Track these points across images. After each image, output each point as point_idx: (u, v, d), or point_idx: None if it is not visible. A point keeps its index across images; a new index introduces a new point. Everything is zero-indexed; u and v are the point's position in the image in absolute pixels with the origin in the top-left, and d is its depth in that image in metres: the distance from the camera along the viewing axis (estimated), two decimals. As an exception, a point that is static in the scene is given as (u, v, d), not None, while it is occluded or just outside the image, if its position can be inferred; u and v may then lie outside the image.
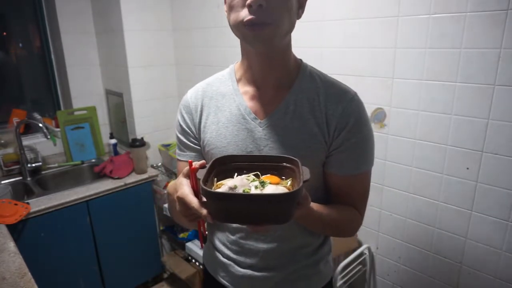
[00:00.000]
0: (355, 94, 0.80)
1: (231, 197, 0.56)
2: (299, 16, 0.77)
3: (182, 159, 0.89)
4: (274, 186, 0.60)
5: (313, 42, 1.56)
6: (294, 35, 1.74)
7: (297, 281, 0.87)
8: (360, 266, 1.57)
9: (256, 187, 0.59)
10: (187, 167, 0.66)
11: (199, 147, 0.86)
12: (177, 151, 0.91)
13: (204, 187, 0.56)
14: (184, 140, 0.87)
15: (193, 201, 0.61)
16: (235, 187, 0.58)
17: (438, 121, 1.26)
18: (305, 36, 1.58)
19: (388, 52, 1.33)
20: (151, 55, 2.27)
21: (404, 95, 1.33)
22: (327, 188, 0.84)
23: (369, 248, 1.56)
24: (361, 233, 1.60)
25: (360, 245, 1.58)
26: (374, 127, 1.44)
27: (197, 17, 2.12)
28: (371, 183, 1.51)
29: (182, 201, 0.62)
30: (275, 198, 0.55)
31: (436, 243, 1.36)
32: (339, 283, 1.47)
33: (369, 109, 1.43)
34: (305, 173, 0.60)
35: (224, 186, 0.60)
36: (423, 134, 1.31)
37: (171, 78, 2.42)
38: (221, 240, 0.90)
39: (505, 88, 1.09)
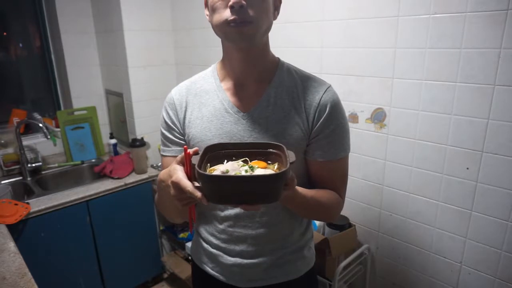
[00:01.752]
0: (330, 85, 0.87)
1: (226, 179, 0.59)
2: (275, 17, 0.82)
3: (167, 155, 0.92)
4: (262, 170, 0.64)
5: (313, 42, 1.56)
6: (295, 35, 1.75)
7: (284, 266, 0.91)
8: (360, 266, 1.57)
9: (246, 171, 0.63)
10: (181, 155, 0.70)
11: (183, 142, 0.90)
12: (162, 147, 0.95)
13: (200, 171, 0.59)
14: (169, 135, 0.91)
15: (188, 184, 0.64)
16: (227, 171, 0.62)
17: (438, 121, 1.26)
18: (305, 36, 1.58)
19: (388, 52, 1.33)
20: (151, 55, 2.27)
21: (404, 95, 1.33)
22: (309, 175, 0.89)
23: (369, 248, 1.56)
24: (361, 233, 1.60)
25: (360, 245, 1.58)
26: (374, 127, 1.44)
27: (197, 17, 2.12)
28: (371, 183, 1.52)
29: (177, 185, 0.65)
30: (266, 178, 0.59)
31: (436, 243, 1.36)
32: (339, 283, 1.47)
33: (369, 109, 1.44)
34: (291, 156, 0.65)
35: (217, 170, 0.64)
36: (423, 134, 1.31)
37: (171, 78, 2.42)
38: (209, 231, 0.93)
39: (505, 88, 1.09)
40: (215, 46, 2.05)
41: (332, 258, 1.47)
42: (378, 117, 1.42)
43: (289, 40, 1.64)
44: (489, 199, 1.19)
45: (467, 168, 1.22)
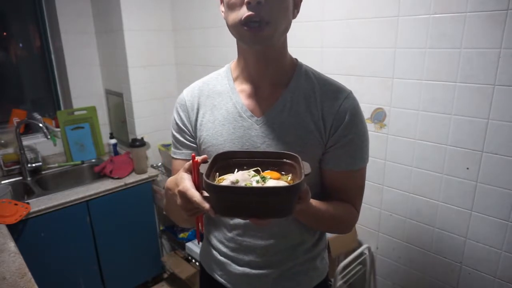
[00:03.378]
0: (350, 92, 0.82)
1: (235, 190, 0.56)
2: (294, 16, 0.77)
3: (178, 157, 0.89)
4: (275, 181, 0.60)
5: (313, 42, 1.56)
6: (295, 35, 1.74)
7: (294, 277, 0.88)
8: (360, 266, 1.57)
9: (257, 182, 0.59)
10: (189, 163, 0.66)
11: (195, 145, 0.87)
12: (173, 149, 0.91)
13: (208, 181, 0.56)
14: (180, 138, 0.88)
15: (195, 195, 0.61)
16: (237, 181, 0.59)
17: (438, 121, 1.26)
18: (305, 36, 1.58)
19: (388, 52, 1.33)
20: (151, 55, 2.27)
21: (404, 95, 1.33)
22: (323, 185, 0.85)
23: (369, 248, 1.56)
24: (361, 233, 1.60)
25: (360, 245, 1.58)
26: (374, 127, 1.44)
27: (197, 17, 2.12)
28: (371, 183, 1.52)
29: (184, 195, 0.62)
30: (278, 191, 0.55)
31: (436, 243, 1.36)
32: (339, 283, 1.47)
33: (369, 109, 1.44)
34: (306, 167, 0.61)
35: (226, 180, 0.60)
36: (423, 134, 1.31)
37: (171, 78, 2.42)
38: (218, 238, 0.90)
39: (505, 88, 1.09)
40: (215, 46, 2.05)
41: (332, 258, 1.47)
42: (378, 117, 1.42)
43: (289, 40, 1.63)
44: (489, 199, 1.19)
45: (467, 168, 1.22)
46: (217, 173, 0.65)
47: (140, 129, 2.31)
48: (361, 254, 1.55)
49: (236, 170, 0.65)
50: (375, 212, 1.53)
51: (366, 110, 1.45)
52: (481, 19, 1.09)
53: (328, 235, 1.50)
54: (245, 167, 0.66)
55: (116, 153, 2.40)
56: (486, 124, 1.15)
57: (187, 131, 0.87)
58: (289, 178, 0.64)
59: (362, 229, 1.59)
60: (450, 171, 1.27)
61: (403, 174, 1.40)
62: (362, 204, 1.54)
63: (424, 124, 1.30)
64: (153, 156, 2.41)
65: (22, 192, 2.07)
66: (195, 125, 0.85)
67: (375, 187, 1.50)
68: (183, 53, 2.33)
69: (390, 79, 1.35)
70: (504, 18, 1.05)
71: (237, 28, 0.71)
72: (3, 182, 2.07)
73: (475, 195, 1.22)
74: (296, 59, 0.86)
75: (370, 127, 1.45)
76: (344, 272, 1.48)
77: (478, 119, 1.16)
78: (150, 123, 2.35)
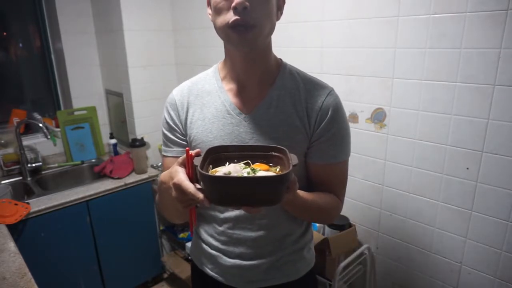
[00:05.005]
0: (332, 89, 0.87)
1: (228, 180, 0.59)
2: (278, 18, 0.81)
3: (169, 155, 0.92)
4: (264, 172, 0.64)
5: (313, 42, 1.56)
6: (295, 35, 1.75)
7: (284, 267, 0.91)
8: (360, 266, 1.57)
9: (248, 173, 0.62)
10: (182, 157, 0.70)
11: (185, 143, 0.90)
12: (163, 147, 0.94)
13: (203, 172, 0.59)
14: (171, 136, 0.91)
15: (190, 186, 0.63)
16: (229, 173, 0.62)
17: (438, 121, 1.26)
18: (305, 36, 1.58)
19: (388, 52, 1.33)
20: (151, 55, 2.27)
21: (404, 95, 1.33)
22: (309, 178, 0.89)
23: (369, 248, 1.56)
24: (361, 233, 1.60)
25: (360, 245, 1.58)
26: (374, 127, 1.44)
27: (197, 17, 2.12)
28: (371, 183, 1.52)
29: (179, 187, 0.65)
30: (269, 180, 0.59)
31: (436, 243, 1.36)
32: (339, 283, 1.47)
33: (369, 109, 1.44)
34: (293, 159, 0.65)
35: (219, 172, 0.63)
36: (423, 134, 1.31)
37: (171, 78, 2.42)
38: (209, 233, 0.93)
39: (505, 88, 1.09)
40: (215, 46, 2.05)
41: (332, 258, 1.47)
42: (378, 117, 1.42)
43: (289, 40, 1.64)
44: (489, 199, 1.19)
45: (467, 168, 1.22)
46: (210, 166, 0.68)
47: (140, 129, 2.31)
48: (361, 254, 1.55)
49: (228, 163, 0.69)
50: (375, 212, 1.53)
51: (366, 110, 1.45)
52: (481, 19, 1.09)
53: (328, 235, 1.51)
54: (235, 161, 0.69)
55: (116, 153, 2.40)
56: (486, 124, 1.15)
57: (177, 129, 0.90)
58: (278, 169, 0.67)
59: (362, 229, 1.59)
60: (450, 171, 1.27)
61: (403, 174, 1.40)
62: (362, 204, 1.56)
63: (424, 124, 1.30)
64: (153, 156, 2.41)
65: (22, 192, 2.07)
66: (185, 123, 0.88)
67: (375, 187, 1.50)
68: (183, 53, 2.33)
69: (390, 79, 1.35)
70: (504, 18, 1.05)
71: (225, 31, 0.75)
72: (3, 182, 2.07)
73: (475, 195, 1.22)
74: (280, 59, 0.90)
75: (370, 127, 1.45)
76: (344, 272, 1.48)
77: (478, 119, 1.16)
78: (150, 123, 2.35)
